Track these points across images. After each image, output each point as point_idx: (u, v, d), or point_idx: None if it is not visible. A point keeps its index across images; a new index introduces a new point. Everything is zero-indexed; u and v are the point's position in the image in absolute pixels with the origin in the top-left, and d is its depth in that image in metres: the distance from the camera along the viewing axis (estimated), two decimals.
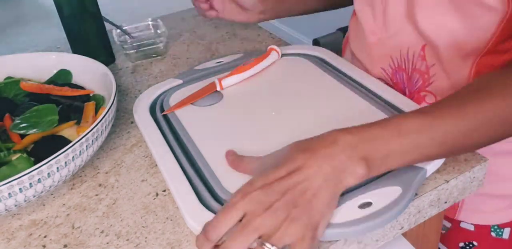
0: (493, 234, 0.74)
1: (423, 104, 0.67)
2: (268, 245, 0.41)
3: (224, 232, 0.42)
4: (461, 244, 0.76)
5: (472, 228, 0.74)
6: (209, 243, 0.43)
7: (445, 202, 0.53)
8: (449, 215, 0.74)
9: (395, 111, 0.59)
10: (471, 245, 0.75)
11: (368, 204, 0.46)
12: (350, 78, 0.67)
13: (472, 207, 0.72)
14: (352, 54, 0.80)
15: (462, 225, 0.75)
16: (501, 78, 0.49)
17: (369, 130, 0.46)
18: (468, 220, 0.74)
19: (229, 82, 0.67)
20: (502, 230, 0.73)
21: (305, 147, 0.45)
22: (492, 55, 0.59)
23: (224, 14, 0.83)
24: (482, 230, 0.74)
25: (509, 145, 0.67)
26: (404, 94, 0.69)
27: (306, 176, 0.43)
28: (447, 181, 0.51)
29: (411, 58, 0.66)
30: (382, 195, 0.46)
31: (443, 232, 0.77)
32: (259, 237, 0.41)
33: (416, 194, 0.50)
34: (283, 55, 0.74)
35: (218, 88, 0.67)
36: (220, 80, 0.67)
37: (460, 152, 0.52)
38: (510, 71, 0.50)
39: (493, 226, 0.73)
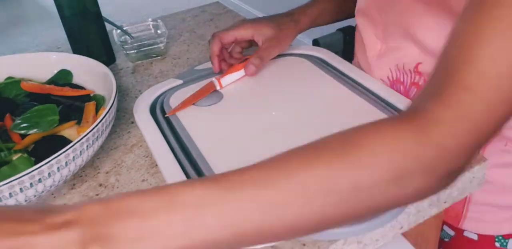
0: (497, 244, 0.72)
1: None
2: None
3: None
4: None
5: (475, 237, 0.73)
6: None
7: (445, 202, 0.54)
8: (453, 224, 0.73)
9: (395, 111, 0.59)
10: None
11: None
12: (350, 78, 0.67)
13: (476, 217, 0.71)
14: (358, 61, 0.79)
15: (466, 234, 0.73)
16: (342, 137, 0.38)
17: (127, 199, 0.33)
18: (472, 229, 0.72)
19: (228, 80, 0.67)
20: (506, 240, 0.71)
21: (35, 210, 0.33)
22: None
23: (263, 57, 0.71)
24: (486, 240, 0.72)
25: None
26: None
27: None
28: None
29: (408, 72, 0.66)
30: None
31: (446, 240, 0.76)
32: None
33: None
34: (283, 55, 0.74)
35: (218, 88, 0.67)
36: (218, 79, 0.67)
37: (268, 240, 0.35)
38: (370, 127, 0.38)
39: (497, 236, 0.71)
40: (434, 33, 0.59)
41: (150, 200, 0.33)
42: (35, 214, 0.32)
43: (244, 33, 0.71)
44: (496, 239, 0.72)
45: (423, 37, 0.61)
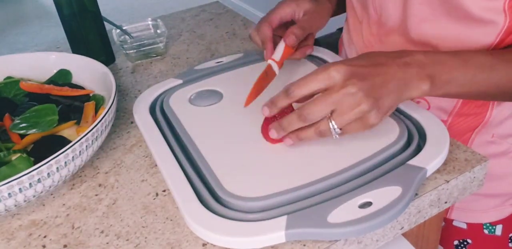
0: (486, 231, 0.75)
1: None
2: (333, 123, 0.48)
3: (306, 93, 0.48)
4: (456, 242, 0.77)
5: (464, 226, 0.75)
6: (287, 100, 0.49)
7: (445, 202, 0.53)
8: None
9: (395, 110, 0.59)
10: (465, 243, 0.76)
11: (368, 204, 0.46)
12: None
13: (463, 206, 0.73)
14: (346, 56, 0.81)
15: (455, 223, 0.76)
16: None
17: (440, 55, 0.52)
18: (460, 219, 0.75)
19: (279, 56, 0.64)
20: (494, 227, 0.74)
21: (385, 54, 0.51)
22: None
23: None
24: (475, 228, 0.75)
25: (500, 146, 0.69)
26: None
27: (386, 71, 0.48)
28: (448, 181, 0.51)
29: None
30: (382, 195, 0.46)
31: None
32: (332, 112, 0.47)
33: (416, 194, 0.50)
34: None
35: (277, 72, 0.63)
36: (274, 59, 0.63)
37: (509, 98, 0.57)
38: None
39: (485, 223, 0.74)
40: (430, 28, 0.60)
41: (454, 58, 0.52)
42: (386, 57, 0.50)
43: (288, 10, 0.68)
44: (484, 226, 0.74)
45: (421, 32, 0.61)
